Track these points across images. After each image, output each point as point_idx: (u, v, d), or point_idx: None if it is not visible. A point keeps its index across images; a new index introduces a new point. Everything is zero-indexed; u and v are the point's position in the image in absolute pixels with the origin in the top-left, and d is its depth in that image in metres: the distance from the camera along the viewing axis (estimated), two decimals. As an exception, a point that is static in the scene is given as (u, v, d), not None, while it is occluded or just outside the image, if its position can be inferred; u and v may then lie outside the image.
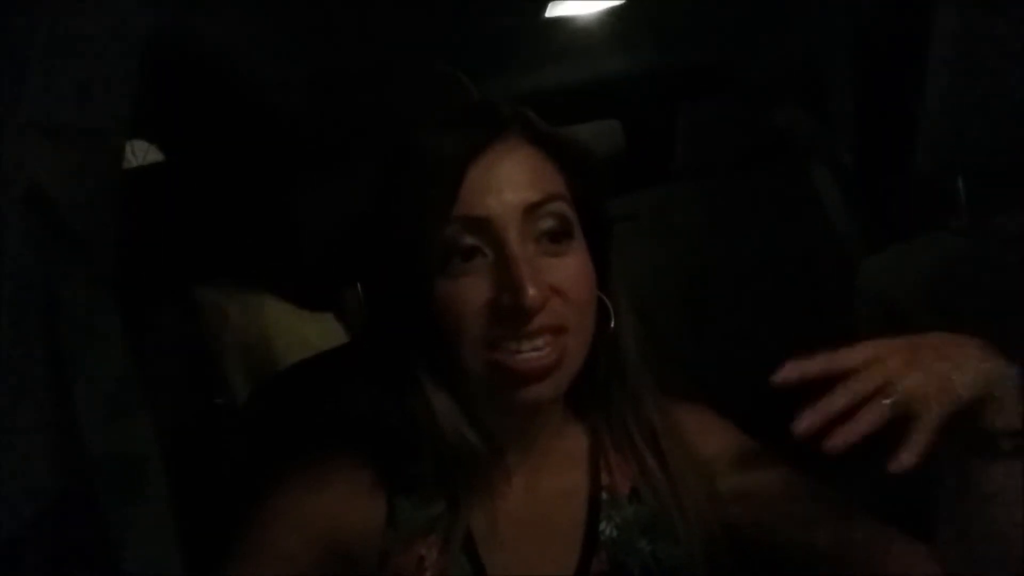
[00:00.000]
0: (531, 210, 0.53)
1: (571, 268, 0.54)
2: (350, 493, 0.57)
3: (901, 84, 1.14)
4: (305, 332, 1.16)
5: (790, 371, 0.48)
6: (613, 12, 1.46)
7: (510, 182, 0.53)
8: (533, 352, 0.52)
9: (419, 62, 1.03)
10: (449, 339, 0.53)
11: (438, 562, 0.55)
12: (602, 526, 0.59)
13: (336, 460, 0.59)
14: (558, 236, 0.54)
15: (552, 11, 1.44)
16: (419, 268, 0.53)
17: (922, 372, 0.47)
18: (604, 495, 0.60)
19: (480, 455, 0.55)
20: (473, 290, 0.52)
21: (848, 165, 1.43)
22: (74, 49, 0.48)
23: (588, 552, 0.58)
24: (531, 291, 0.49)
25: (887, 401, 0.46)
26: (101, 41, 0.50)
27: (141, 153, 1.23)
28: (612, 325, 0.58)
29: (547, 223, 0.54)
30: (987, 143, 0.66)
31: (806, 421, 0.46)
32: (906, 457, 0.45)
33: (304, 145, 1.27)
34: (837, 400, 0.46)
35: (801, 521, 0.58)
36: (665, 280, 1.44)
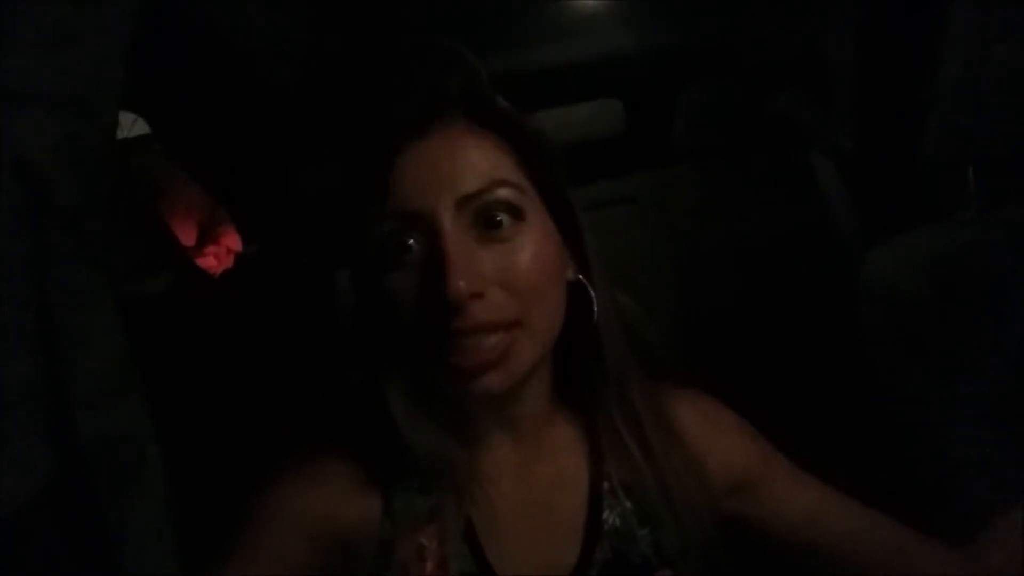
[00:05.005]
0: (466, 201, 0.51)
1: (518, 255, 0.52)
2: (345, 487, 0.56)
3: (904, 70, 1.12)
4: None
5: None
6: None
7: (443, 173, 0.51)
8: (475, 348, 0.50)
9: (418, 38, 1.01)
10: (397, 333, 0.52)
11: (438, 551, 0.54)
12: (606, 515, 0.58)
13: (329, 455, 0.58)
14: (501, 224, 0.52)
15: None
16: (364, 259, 0.53)
17: None
18: (606, 484, 0.59)
19: (448, 453, 0.55)
20: (409, 285, 0.51)
21: (849, 151, 1.42)
22: (66, 19, 0.46)
23: (591, 541, 0.57)
24: (459, 283, 0.48)
25: None
26: (94, 10, 0.48)
27: (127, 125, 1.20)
28: (595, 314, 0.57)
29: (488, 211, 0.52)
30: (1000, 132, 0.65)
31: None
32: None
33: (295, 120, 1.25)
34: None
35: (802, 516, 0.58)
36: (663, 262, 1.44)
